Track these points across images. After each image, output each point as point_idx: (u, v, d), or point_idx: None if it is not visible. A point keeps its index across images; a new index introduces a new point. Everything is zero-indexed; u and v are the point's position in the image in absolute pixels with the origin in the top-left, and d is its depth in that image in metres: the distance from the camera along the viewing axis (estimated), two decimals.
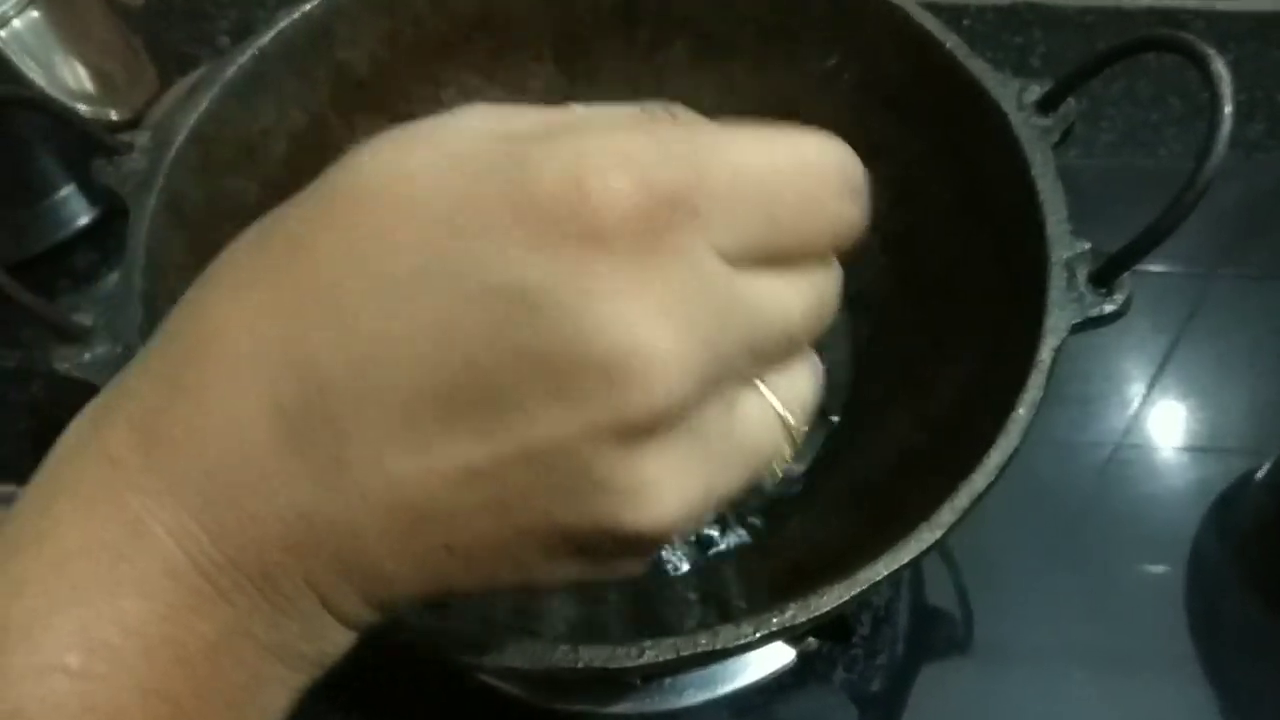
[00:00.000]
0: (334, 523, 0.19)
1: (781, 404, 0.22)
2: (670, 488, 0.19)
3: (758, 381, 0.21)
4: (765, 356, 0.21)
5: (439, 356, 0.18)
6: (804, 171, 0.20)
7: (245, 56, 0.44)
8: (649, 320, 0.17)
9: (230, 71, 0.43)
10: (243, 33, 0.68)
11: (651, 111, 0.21)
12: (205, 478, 0.19)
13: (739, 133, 0.20)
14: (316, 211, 0.20)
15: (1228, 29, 0.69)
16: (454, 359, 0.18)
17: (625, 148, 0.18)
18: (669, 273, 0.18)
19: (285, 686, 0.22)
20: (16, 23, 0.55)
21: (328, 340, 0.19)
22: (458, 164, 0.18)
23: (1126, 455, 0.56)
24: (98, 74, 0.60)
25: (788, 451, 0.23)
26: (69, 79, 0.59)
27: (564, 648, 0.31)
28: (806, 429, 0.23)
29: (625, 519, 0.19)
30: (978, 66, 0.42)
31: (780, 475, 0.24)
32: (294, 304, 0.19)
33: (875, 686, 0.48)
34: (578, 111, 0.20)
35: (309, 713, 0.49)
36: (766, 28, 0.49)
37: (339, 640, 0.22)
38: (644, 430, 0.18)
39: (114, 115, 0.60)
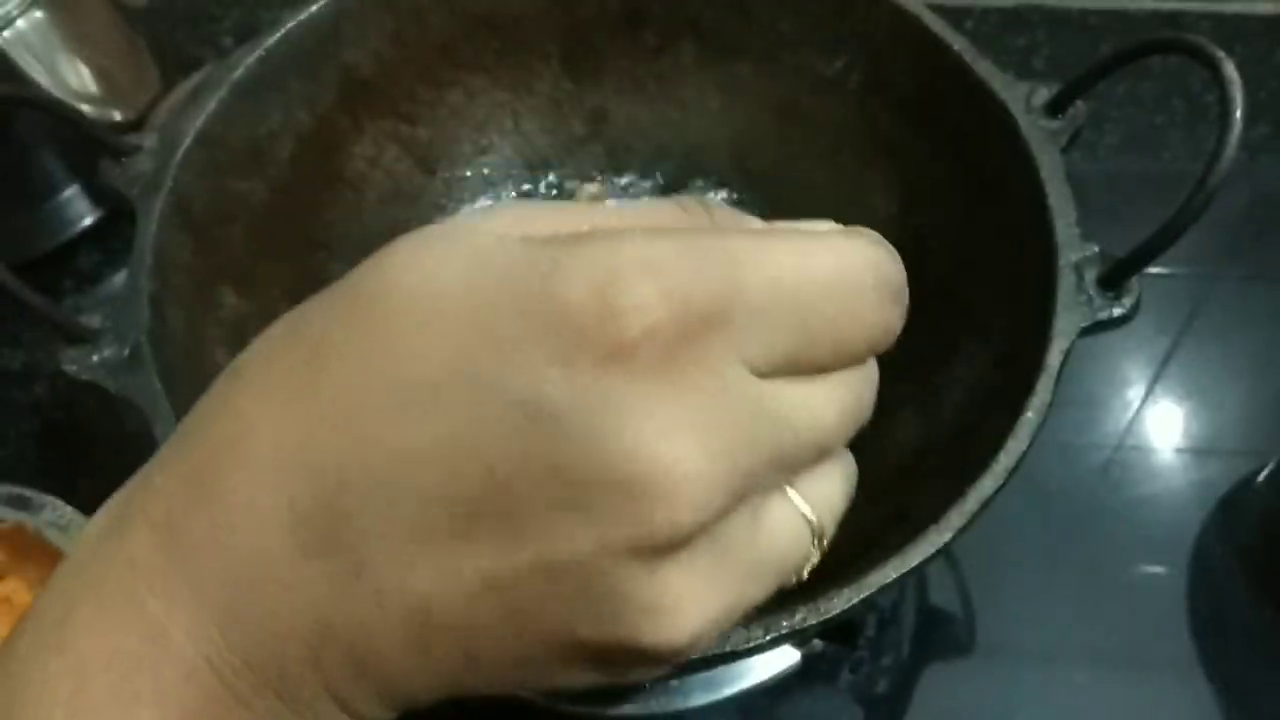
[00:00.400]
0: (352, 628, 0.19)
1: (811, 509, 0.21)
2: (692, 605, 0.19)
3: (787, 488, 0.21)
4: (795, 465, 0.20)
5: (459, 468, 0.18)
6: (841, 281, 0.20)
7: (251, 58, 0.44)
8: (674, 437, 0.17)
9: (236, 73, 0.43)
10: (246, 34, 0.68)
11: (687, 206, 0.21)
12: (225, 581, 0.19)
13: (775, 239, 0.20)
14: (341, 315, 0.20)
15: (1234, 31, 0.69)
16: (474, 471, 0.18)
17: (655, 258, 0.18)
18: (697, 388, 0.18)
19: None
20: (20, 23, 0.55)
21: (347, 449, 0.18)
22: (483, 271, 0.18)
23: (1128, 456, 0.56)
24: (101, 75, 0.60)
25: (815, 557, 0.22)
26: (72, 79, 0.58)
27: None
28: (835, 530, 0.22)
29: (645, 636, 0.19)
30: (986, 69, 0.42)
31: (805, 578, 0.23)
32: (316, 411, 0.19)
33: (880, 688, 0.48)
34: (609, 212, 0.20)
35: None
36: (773, 30, 0.49)
37: None
38: (667, 548, 0.18)
39: (117, 116, 0.60)
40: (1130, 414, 0.58)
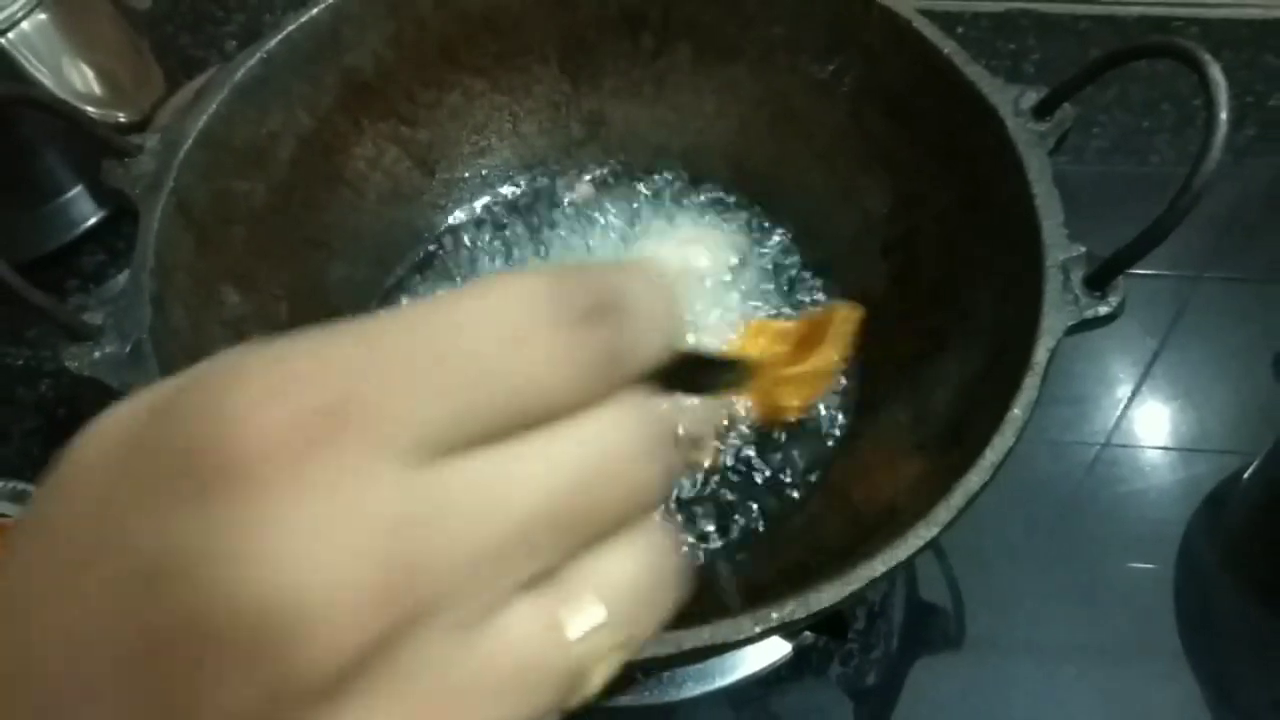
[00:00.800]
0: None
1: (569, 603, 0.17)
2: None
3: (531, 590, 0.17)
4: (508, 553, 0.16)
5: (108, 643, 0.16)
6: (495, 321, 0.16)
7: (253, 60, 0.44)
8: (303, 563, 0.15)
9: (238, 75, 0.44)
10: (250, 36, 0.68)
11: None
12: None
13: (408, 310, 0.17)
14: (40, 489, 0.18)
15: (1221, 35, 0.70)
16: (122, 645, 0.16)
17: (260, 381, 0.15)
18: (327, 495, 0.15)
19: None
20: (24, 25, 0.55)
21: (12, 638, 0.17)
22: (118, 430, 0.17)
23: (1116, 454, 0.57)
24: (105, 76, 0.60)
25: (614, 660, 0.18)
26: (76, 81, 0.59)
27: None
28: (640, 629, 0.18)
29: None
30: (975, 73, 0.43)
31: (581, 697, 0.18)
32: (4, 591, 0.17)
33: (870, 680, 0.49)
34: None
35: None
36: (768, 34, 0.50)
37: None
38: (328, 691, 0.15)
39: (121, 118, 0.60)
40: (1118, 412, 0.58)
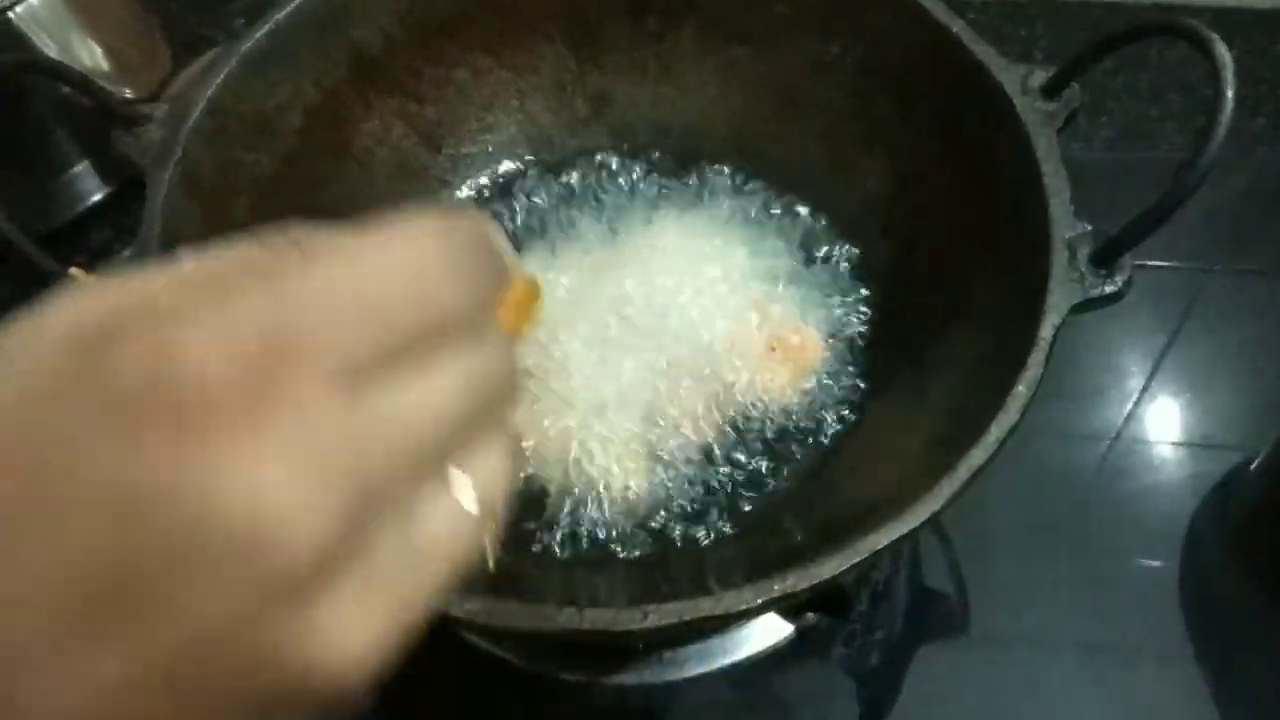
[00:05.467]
0: None
1: (470, 494, 0.21)
2: (351, 628, 0.18)
3: (438, 482, 0.20)
4: (428, 459, 0.20)
5: (70, 575, 0.17)
6: (399, 271, 0.19)
7: (262, 31, 0.44)
8: (268, 481, 0.17)
9: (247, 46, 0.44)
10: (257, 16, 0.68)
11: (270, 244, 0.20)
12: None
13: (327, 250, 0.19)
14: None
15: (1232, 24, 0.70)
16: (85, 574, 0.17)
17: (198, 312, 0.17)
18: (280, 425, 0.17)
19: None
20: (33, 1, 0.55)
21: None
22: (36, 370, 0.18)
23: (1125, 448, 0.57)
24: (112, 53, 0.60)
25: (487, 539, 0.22)
26: (84, 57, 0.59)
27: (569, 610, 0.32)
28: (506, 509, 0.22)
29: (315, 675, 0.18)
30: (983, 51, 0.43)
31: (492, 562, 0.22)
32: None
33: (872, 662, 0.49)
34: (173, 273, 0.19)
35: None
36: (772, 14, 0.50)
37: None
38: (299, 590, 0.17)
39: (128, 94, 0.60)
40: (1128, 407, 0.58)
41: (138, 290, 0.18)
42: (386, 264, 0.19)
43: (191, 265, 0.19)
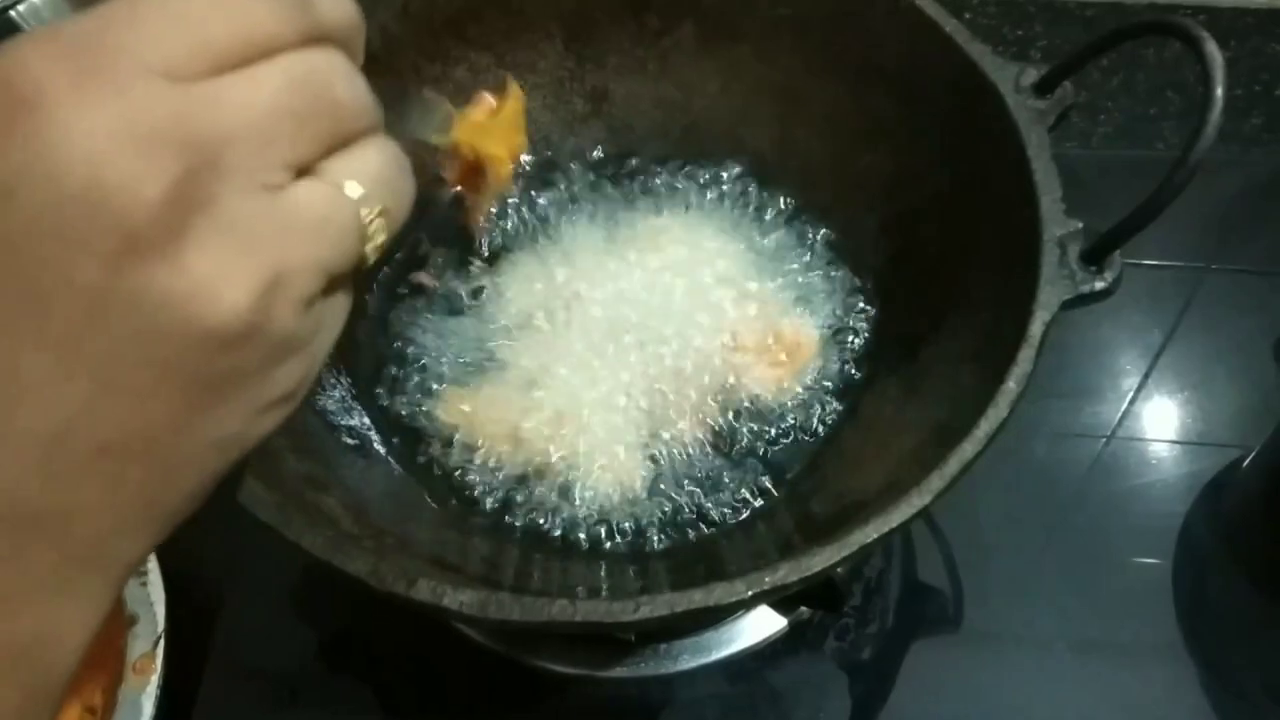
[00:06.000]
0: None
1: (339, 179, 0.23)
2: (229, 272, 0.21)
3: (299, 173, 0.23)
4: (266, 135, 0.22)
5: None
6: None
7: None
8: (101, 149, 0.19)
9: None
10: None
11: None
12: None
13: None
14: None
15: (1228, 24, 0.70)
16: None
17: (35, 38, 0.20)
18: (108, 103, 0.19)
19: (5, 684, 0.22)
20: None
21: None
22: None
23: (1120, 446, 0.57)
24: None
25: (378, 229, 0.25)
26: None
27: (562, 602, 0.32)
28: (395, 203, 0.25)
29: (207, 316, 0.20)
30: (977, 50, 0.43)
31: (371, 254, 0.25)
32: None
33: (865, 656, 0.49)
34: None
35: (308, 677, 0.50)
36: (772, 14, 0.50)
37: (57, 621, 0.23)
38: (156, 233, 0.20)
39: None
40: (1124, 405, 0.58)
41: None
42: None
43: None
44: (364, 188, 0.24)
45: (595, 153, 0.56)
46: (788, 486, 0.46)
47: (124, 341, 0.20)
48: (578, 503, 0.45)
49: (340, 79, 0.23)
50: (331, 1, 0.24)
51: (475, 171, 0.46)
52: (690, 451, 0.47)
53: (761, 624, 0.47)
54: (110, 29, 0.20)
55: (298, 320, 0.23)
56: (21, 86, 0.19)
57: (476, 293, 0.51)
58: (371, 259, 0.25)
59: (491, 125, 0.45)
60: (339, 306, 0.26)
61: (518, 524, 0.44)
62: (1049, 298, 0.38)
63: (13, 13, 0.55)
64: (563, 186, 0.55)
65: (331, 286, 0.24)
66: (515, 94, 0.45)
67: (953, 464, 0.35)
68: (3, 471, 0.21)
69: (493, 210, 0.53)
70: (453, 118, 0.43)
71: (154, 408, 0.21)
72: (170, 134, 0.20)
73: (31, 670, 0.23)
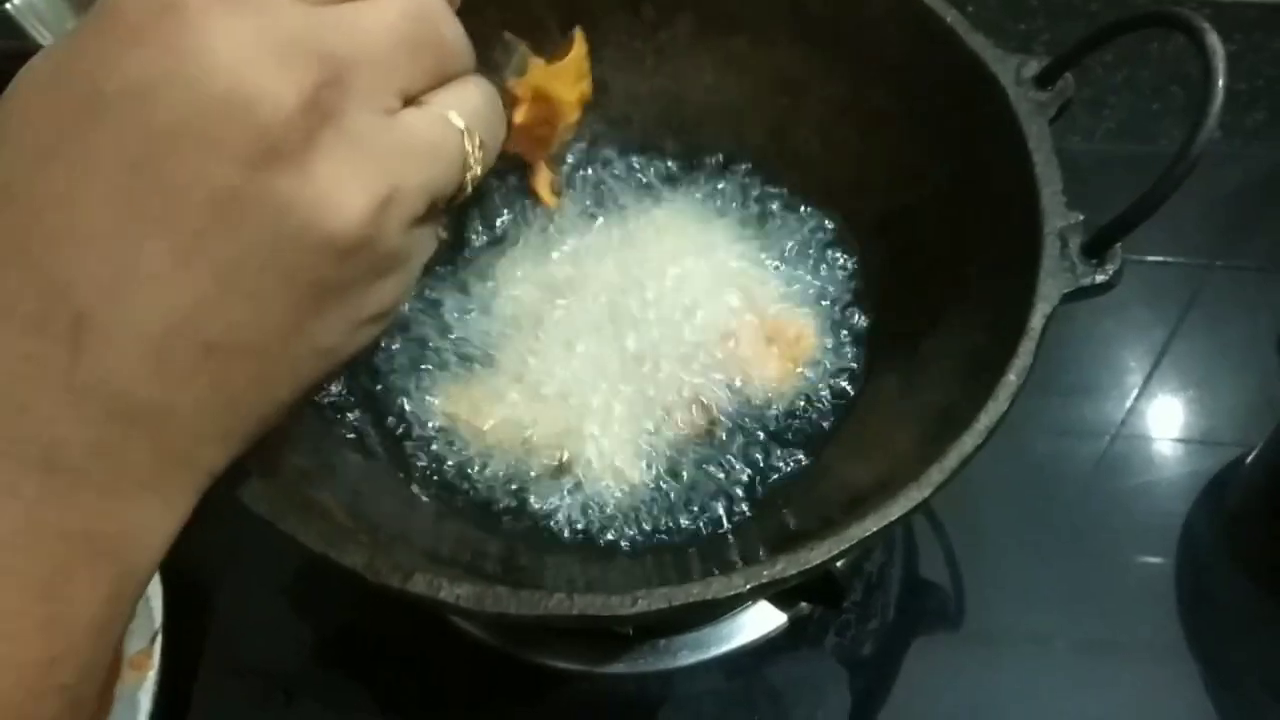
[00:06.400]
0: (104, 378, 0.21)
1: (445, 110, 0.25)
2: (349, 181, 0.22)
3: (412, 101, 0.24)
4: (387, 58, 0.23)
5: (107, 168, 0.21)
6: None
7: None
8: (243, 58, 0.20)
9: None
10: None
11: None
12: None
13: None
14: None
15: (1232, 19, 0.70)
16: (120, 165, 0.21)
17: None
18: (255, 11, 0.21)
19: (96, 575, 0.23)
20: None
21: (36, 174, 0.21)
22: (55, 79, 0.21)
23: (1123, 444, 0.57)
24: None
25: (475, 162, 0.26)
26: None
27: (559, 595, 0.32)
28: (491, 137, 0.27)
29: (329, 222, 0.22)
30: (977, 42, 0.43)
31: (470, 185, 0.27)
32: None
33: (865, 652, 0.49)
34: None
35: (305, 673, 0.50)
36: (770, 5, 0.50)
37: (145, 519, 0.23)
38: (287, 140, 0.21)
39: None
40: (1127, 402, 0.58)
41: None
42: None
43: None
44: (466, 120, 0.25)
45: (592, 146, 0.55)
46: (787, 480, 0.46)
47: (248, 243, 0.21)
48: (575, 498, 0.45)
49: (445, 19, 0.25)
50: None
51: (542, 120, 0.46)
52: (689, 446, 0.46)
53: (761, 619, 0.47)
54: None
55: (403, 237, 0.24)
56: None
57: (474, 288, 0.51)
58: (469, 189, 0.27)
59: (561, 70, 0.45)
60: (432, 234, 0.27)
61: (515, 519, 0.44)
62: (1050, 290, 0.37)
63: (8, 6, 0.55)
64: (560, 180, 0.54)
65: (430, 212, 0.26)
66: (580, 39, 0.46)
67: (952, 457, 0.35)
68: (113, 361, 0.21)
69: (563, 163, 0.53)
70: (528, 60, 0.43)
71: (268, 310, 0.22)
72: (306, 49, 0.21)
73: (120, 564, 0.23)
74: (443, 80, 0.25)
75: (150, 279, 0.21)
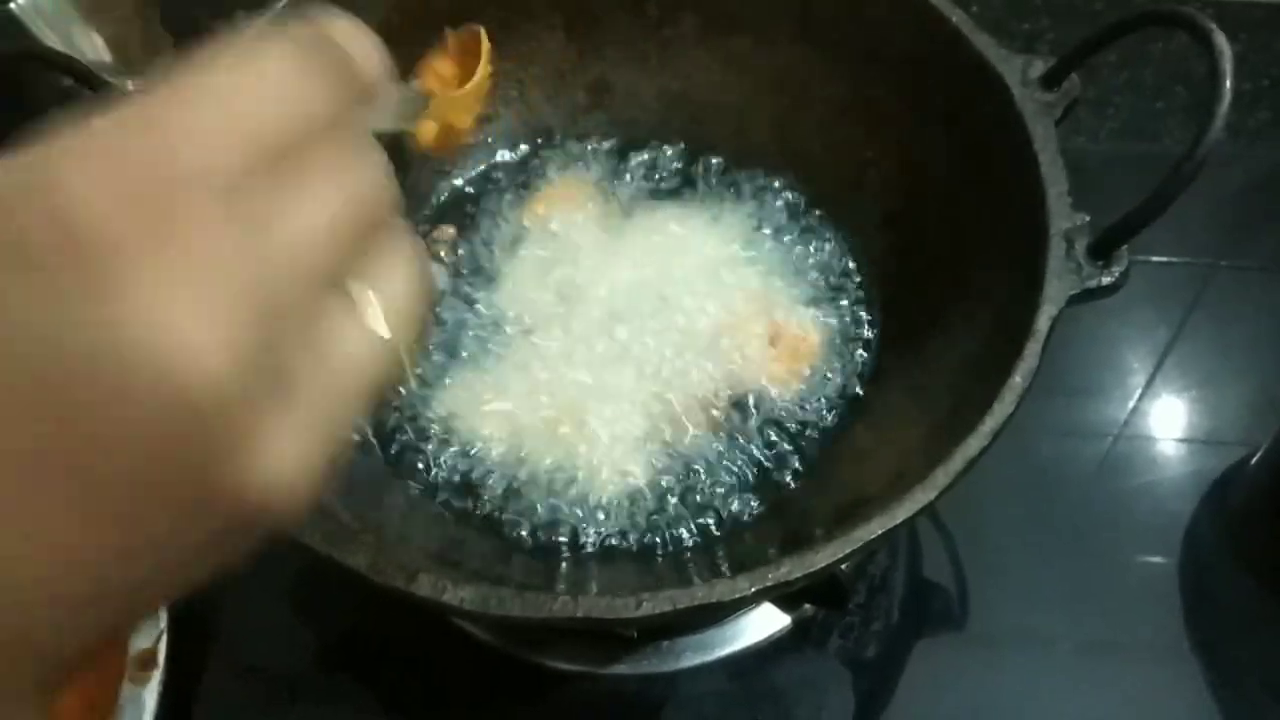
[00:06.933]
0: None
1: (378, 311, 0.22)
2: (286, 452, 0.19)
3: (341, 304, 0.21)
4: (326, 274, 0.20)
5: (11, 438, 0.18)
6: (255, 85, 0.20)
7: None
8: (174, 320, 0.17)
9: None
10: (259, 5, 0.69)
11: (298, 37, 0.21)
12: None
13: (183, 89, 0.19)
14: None
15: (1236, 19, 0.70)
16: (26, 429, 0.18)
17: (85, 172, 0.17)
18: (177, 257, 0.18)
19: None
20: None
21: None
22: None
23: (1127, 444, 0.57)
24: (114, 44, 0.60)
25: (405, 354, 0.23)
26: (86, 48, 0.59)
27: (564, 598, 0.32)
28: (420, 318, 0.23)
29: (261, 501, 0.19)
30: (983, 41, 0.43)
31: (411, 376, 0.23)
32: None
33: (869, 653, 0.49)
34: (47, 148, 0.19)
35: (309, 673, 0.50)
36: (774, 4, 0.50)
37: None
38: (228, 417, 0.18)
39: (130, 86, 0.60)
40: (1131, 402, 0.58)
41: (26, 161, 0.18)
42: (242, 82, 0.19)
43: (68, 132, 0.18)
44: (396, 311, 0.22)
45: (596, 145, 0.55)
46: (792, 482, 0.45)
47: (167, 521, 0.19)
48: (579, 499, 0.45)
49: (381, 178, 0.22)
50: (363, 54, 0.22)
51: (442, 140, 0.46)
52: (694, 448, 0.46)
53: (765, 621, 0.47)
54: (165, 147, 0.18)
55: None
56: (82, 228, 0.17)
57: (477, 290, 0.51)
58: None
59: (459, 99, 0.45)
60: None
61: (517, 520, 0.44)
62: (1055, 292, 0.37)
63: (12, 5, 0.55)
64: (564, 180, 0.54)
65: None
66: (484, 63, 0.46)
67: (958, 460, 0.34)
68: None
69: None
70: (428, 104, 0.43)
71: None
72: (244, 297, 0.18)
73: None
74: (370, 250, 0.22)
75: (57, 543, 0.18)
